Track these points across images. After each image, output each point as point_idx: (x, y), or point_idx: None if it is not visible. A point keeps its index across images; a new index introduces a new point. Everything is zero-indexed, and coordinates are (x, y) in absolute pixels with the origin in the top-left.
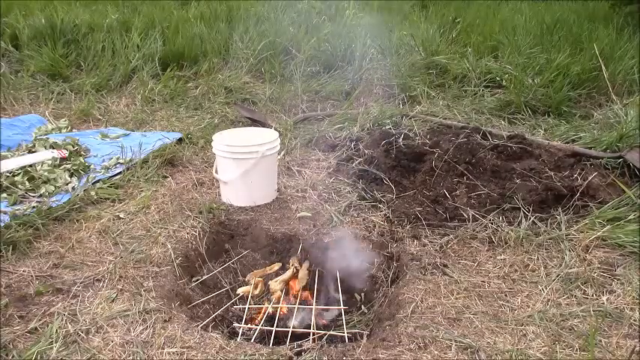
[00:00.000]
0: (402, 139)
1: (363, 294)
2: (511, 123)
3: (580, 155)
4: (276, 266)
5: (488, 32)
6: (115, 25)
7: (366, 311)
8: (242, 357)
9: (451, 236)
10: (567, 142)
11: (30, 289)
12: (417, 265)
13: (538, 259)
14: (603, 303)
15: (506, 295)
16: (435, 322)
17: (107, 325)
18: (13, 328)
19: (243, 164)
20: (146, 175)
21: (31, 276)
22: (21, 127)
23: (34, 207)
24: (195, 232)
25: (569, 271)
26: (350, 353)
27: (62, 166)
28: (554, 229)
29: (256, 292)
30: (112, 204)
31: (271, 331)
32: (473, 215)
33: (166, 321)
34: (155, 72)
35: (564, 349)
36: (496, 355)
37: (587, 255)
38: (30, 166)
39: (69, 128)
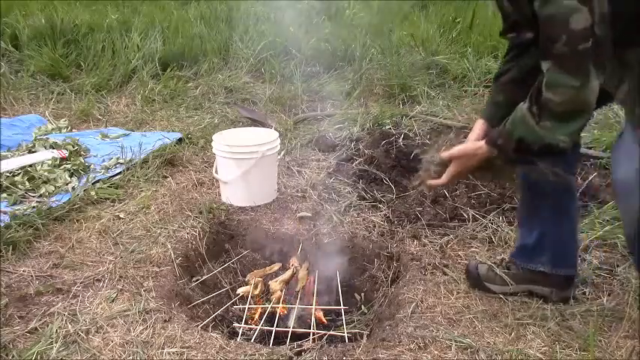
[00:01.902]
0: (402, 139)
1: (363, 294)
2: None
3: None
4: (276, 266)
5: (488, 32)
6: (115, 25)
7: (366, 311)
8: (242, 357)
9: (451, 236)
10: None
11: (30, 289)
12: (417, 265)
13: None
14: (603, 303)
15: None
16: (435, 322)
17: (107, 325)
18: (13, 328)
19: (243, 164)
20: (146, 175)
21: (31, 276)
22: (21, 127)
23: (34, 207)
24: (195, 232)
25: None
26: (350, 353)
27: (62, 166)
28: None
29: (256, 292)
30: (112, 204)
31: (271, 331)
32: (473, 215)
33: (166, 321)
34: (155, 72)
35: (564, 349)
36: (496, 355)
37: (587, 255)
38: (30, 166)
39: (69, 128)
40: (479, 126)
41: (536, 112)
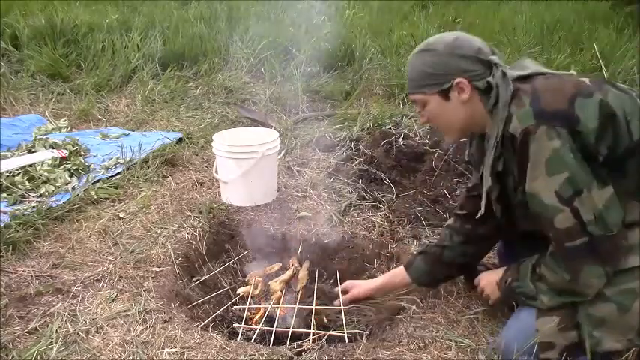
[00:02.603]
0: (402, 139)
1: None
2: None
3: None
4: (276, 266)
5: (489, 32)
6: (115, 25)
7: (366, 311)
8: (242, 357)
9: None
10: None
11: (30, 289)
12: None
13: None
14: None
15: None
16: (435, 322)
17: (107, 325)
18: (13, 328)
19: (243, 164)
20: (146, 175)
21: (31, 276)
22: (21, 127)
23: (34, 207)
24: (195, 232)
25: None
26: (350, 353)
27: (62, 166)
28: None
29: (256, 292)
30: (112, 204)
31: (271, 331)
32: None
33: (166, 321)
34: (155, 72)
35: None
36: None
37: None
38: (30, 166)
39: (69, 128)
40: (401, 274)
41: (538, 272)
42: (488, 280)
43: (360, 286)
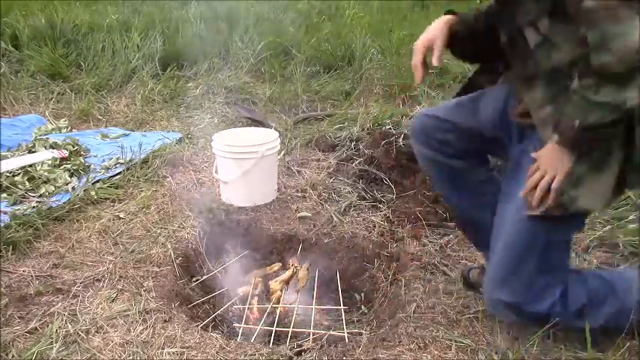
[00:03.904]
0: (402, 139)
1: (363, 294)
2: None
3: None
4: (276, 266)
5: None
6: (115, 25)
7: (366, 311)
8: (242, 357)
9: (451, 236)
10: None
11: (30, 289)
12: (417, 265)
13: None
14: None
15: None
16: (435, 322)
17: (107, 325)
18: (13, 328)
19: (243, 164)
20: (146, 175)
21: (31, 276)
22: (21, 127)
23: (34, 207)
24: (195, 232)
25: None
26: (350, 353)
27: (62, 166)
28: None
29: (256, 292)
30: (112, 204)
31: (271, 331)
32: None
33: (166, 321)
34: (155, 72)
35: (564, 349)
36: (495, 355)
37: (587, 255)
38: (30, 166)
39: (69, 128)
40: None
41: (592, 83)
42: (545, 154)
43: (437, 38)
